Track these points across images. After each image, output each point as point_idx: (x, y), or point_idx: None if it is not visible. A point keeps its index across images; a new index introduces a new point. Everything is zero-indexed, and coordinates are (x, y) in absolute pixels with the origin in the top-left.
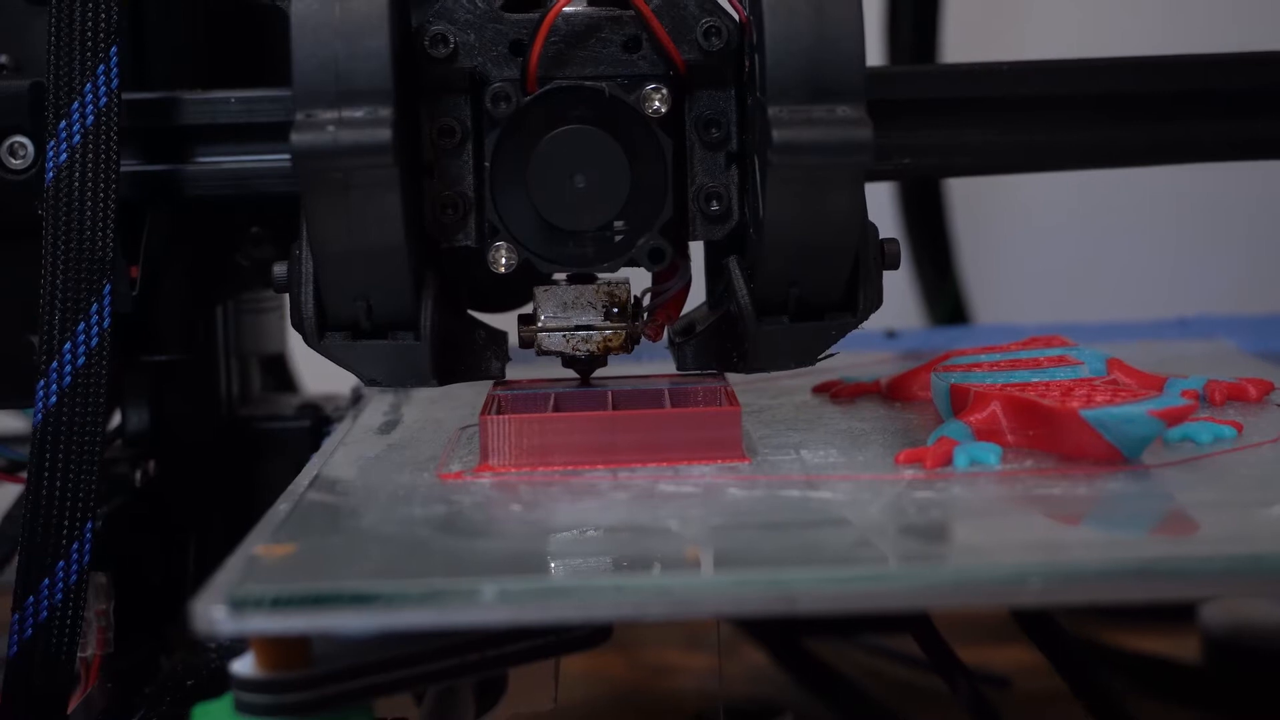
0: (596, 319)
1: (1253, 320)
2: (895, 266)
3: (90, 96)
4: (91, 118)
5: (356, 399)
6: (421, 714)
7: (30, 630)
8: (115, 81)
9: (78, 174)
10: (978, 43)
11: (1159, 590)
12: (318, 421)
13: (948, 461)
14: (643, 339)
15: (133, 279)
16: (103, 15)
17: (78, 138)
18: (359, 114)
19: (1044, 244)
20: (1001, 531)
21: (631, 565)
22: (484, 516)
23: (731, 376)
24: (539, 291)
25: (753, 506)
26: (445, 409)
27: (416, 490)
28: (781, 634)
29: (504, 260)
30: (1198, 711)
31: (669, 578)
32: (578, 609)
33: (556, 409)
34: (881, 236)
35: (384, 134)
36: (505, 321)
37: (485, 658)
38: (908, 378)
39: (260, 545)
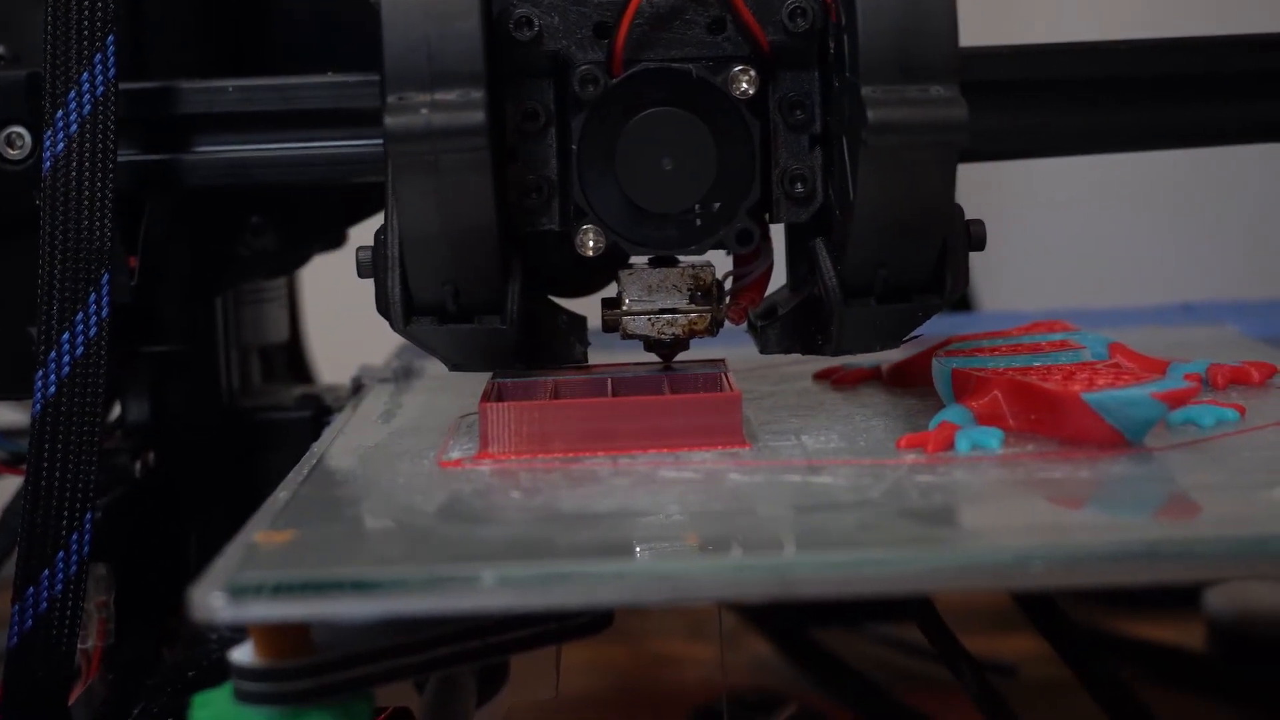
0: (681, 302)
1: (1257, 305)
2: (981, 248)
3: (87, 86)
4: (89, 107)
5: (357, 389)
6: (422, 702)
7: (30, 621)
8: (112, 71)
9: (75, 164)
10: (981, 27)
11: (1162, 572)
12: (319, 412)
13: (949, 446)
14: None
15: (132, 269)
16: (99, 4)
17: (75, 127)
18: (452, 96)
19: (1049, 230)
20: (1004, 515)
21: (632, 550)
22: (484, 503)
23: (732, 363)
24: (624, 275)
25: (754, 492)
26: (446, 398)
27: (416, 478)
28: (785, 623)
29: (591, 243)
30: (1203, 698)
31: (670, 563)
32: (578, 594)
33: (556, 396)
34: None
35: (478, 116)
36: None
37: (486, 645)
38: (910, 363)
39: (259, 532)
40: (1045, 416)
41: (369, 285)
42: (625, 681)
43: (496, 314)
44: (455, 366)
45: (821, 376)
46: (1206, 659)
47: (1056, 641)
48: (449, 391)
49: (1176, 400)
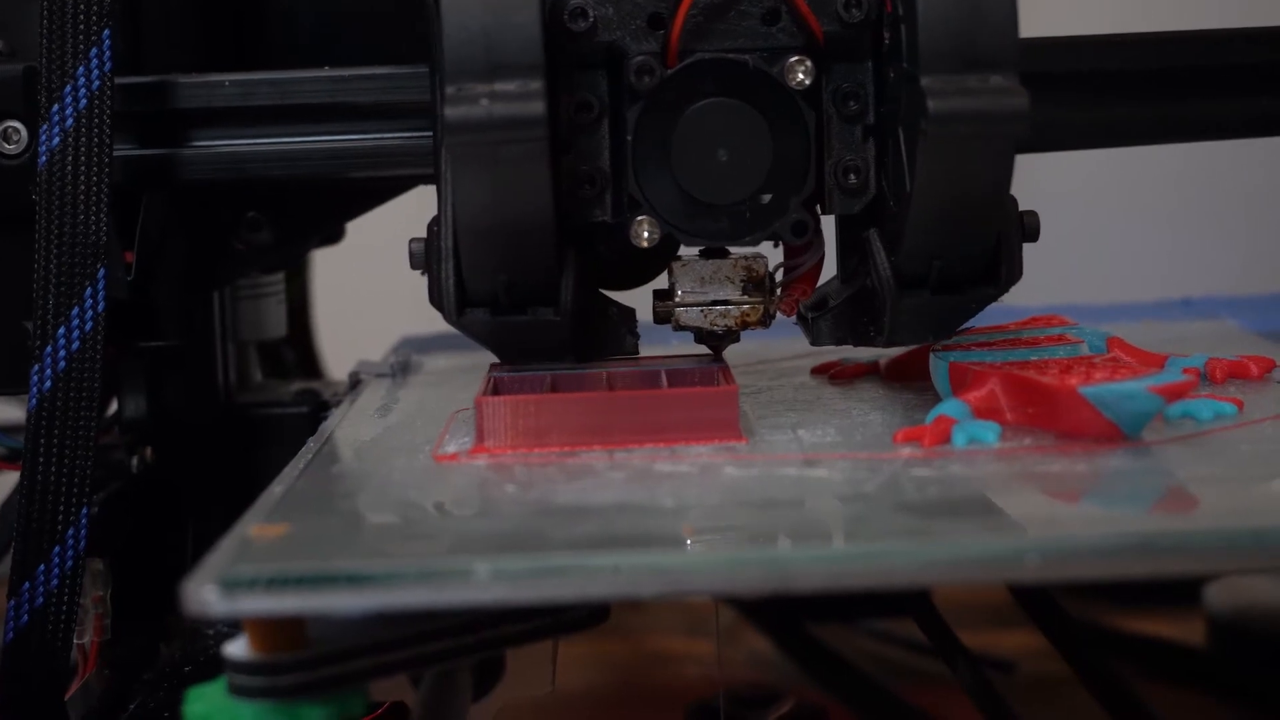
0: (734, 294)
1: (1257, 300)
2: (1035, 238)
3: (83, 80)
4: (84, 101)
5: (354, 384)
6: (418, 697)
7: (26, 617)
8: (109, 65)
9: (70, 158)
10: None
11: (1159, 566)
12: (316, 407)
13: (946, 440)
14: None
15: (128, 264)
16: None
17: (70, 121)
18: (511, 87)
19: (1047, 224)
20: (1000, 508)
21: (627, 544)
22: (479, 497)
23: (730, 357)
24: (676, 267)
25: (750, 485)
26: (442, 393)
27: (412, 472)
28: (782, 619)
29: (646, 234)
30: (1202, 694)
31: (665, 556)
32: (573, 587)
33: (553, 390)
34: None
35: (537, 107)
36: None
37: (482, 639)
38: (907, 358)
39: (254, 526)
40: (1042, 410)
41: (378, 280)
42: (622, 677)
43: (550, 306)
44: (507, 358)
45: (819, 371)
46: (1206, 654)
47: (1054, 637)
48: (446, 386)
49: (1174, 394)
